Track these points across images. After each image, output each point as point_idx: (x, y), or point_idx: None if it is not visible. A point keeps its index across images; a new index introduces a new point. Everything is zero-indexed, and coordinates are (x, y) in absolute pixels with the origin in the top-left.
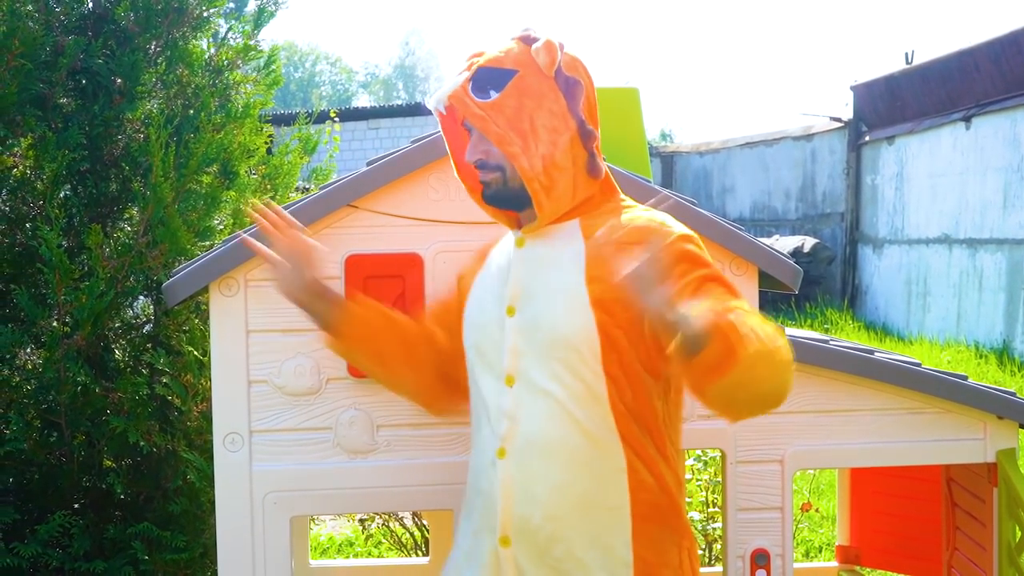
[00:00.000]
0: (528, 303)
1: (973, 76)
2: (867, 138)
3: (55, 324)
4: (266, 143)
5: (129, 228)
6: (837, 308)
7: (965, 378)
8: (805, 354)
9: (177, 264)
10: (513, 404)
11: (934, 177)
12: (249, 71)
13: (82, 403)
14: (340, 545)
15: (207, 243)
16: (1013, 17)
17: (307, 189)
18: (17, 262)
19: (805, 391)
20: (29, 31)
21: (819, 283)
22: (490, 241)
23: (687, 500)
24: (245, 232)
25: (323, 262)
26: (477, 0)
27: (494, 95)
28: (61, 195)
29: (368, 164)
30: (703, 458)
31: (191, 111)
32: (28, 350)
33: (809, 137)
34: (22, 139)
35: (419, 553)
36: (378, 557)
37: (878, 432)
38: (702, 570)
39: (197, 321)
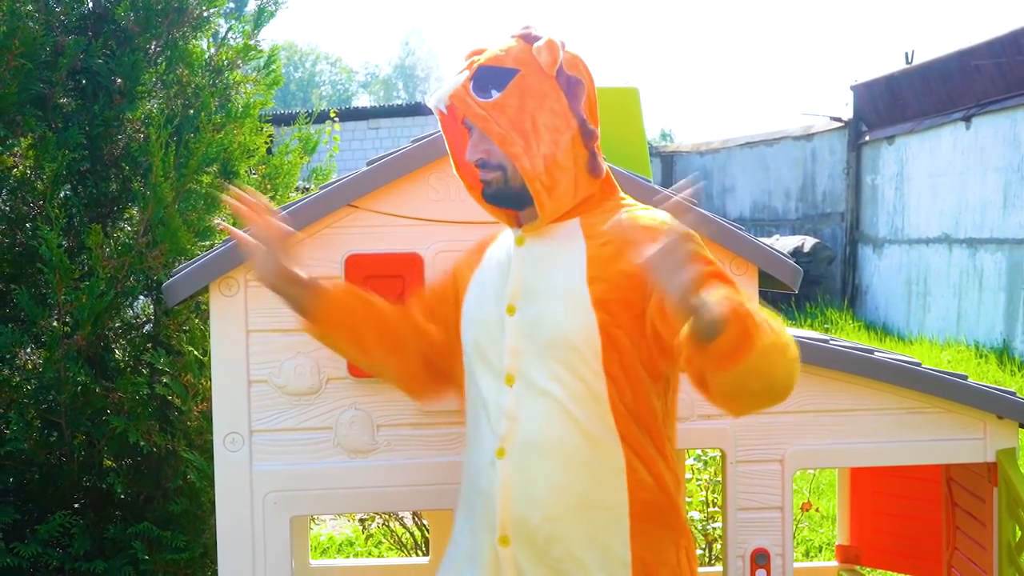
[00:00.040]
0: (529, 302)
1: (973, 76)
2: (867, 138)
3: (55, 324)
4: (266, 143)
5: (129, 228)
6: (837, 308)
7: (965, 378)
8: (805, 354)
9: (177, 264)
10: (513, 404)
11: (934, 177)
12: (249, 71)
13: (82, 403)
14: (340, 545)
15: (207, 243)
16: (1013, 17)
17: (307, 189)
18: (17, 262)
19: (805, 391)
20: (29, 31)
21: (819, 283)
22: (488, 236)
23: (687, 500)
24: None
25: (297, 247)
26: (477, 0)
27: (496, 94)
28: (61, 195)
29: (368, 164)
30: (703, 458)
31: (191, 111)
32: (28, 350)
33: (809, 137)
34: (22, 139)
35: (419, 553)
36: (378, 557)
37: (878, 432)
38: (702, 570)
39: (197, 321)
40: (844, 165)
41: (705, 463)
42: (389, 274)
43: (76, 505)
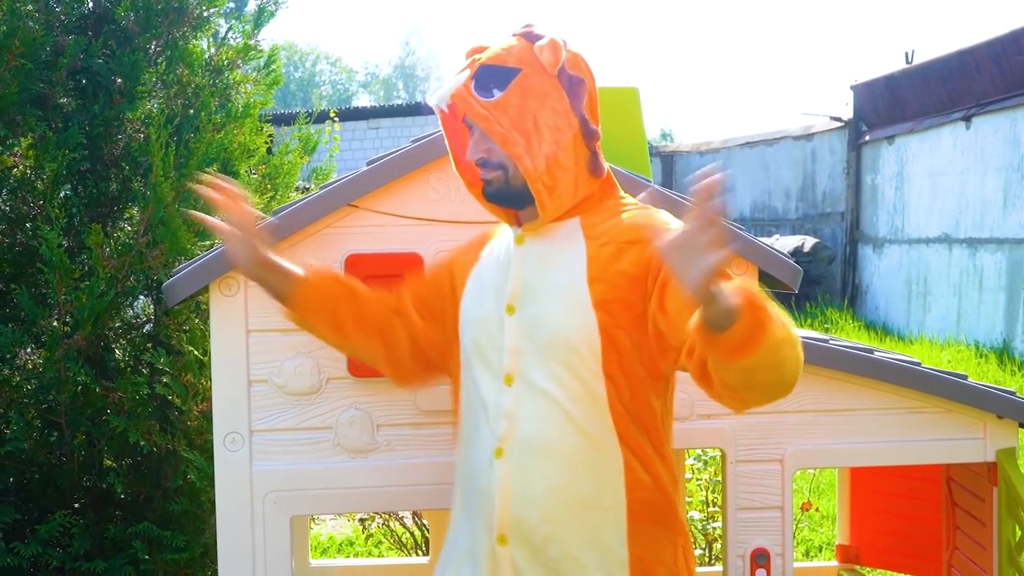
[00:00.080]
0: (528, 302)
1: (973, 76)
2: (867, 138)
3: (55, 324)
4: (266, 143)
5: (129, 228)
6: (837, 308)
7: (965, 377)
8: (805, 353)
9: (177, 264)
10: (512, 404)
11: (934, 177)
12: (249, 71)
13: (82, 403)
14: (340, 545)
15: (207, 243)
16: (1013, 17)
17: (307, 189)
18: (17, 262)
19: (805, 390)
20: (29, 31)
21: (819, 283)
22: (487, 232)
23: (687, 500)
24: None
25: (272, 235)
26: (477, 0)
27: (497, 94)
28: (61, 195)
29: (368, 164)
30: (703, 458)
31: (191, 111)
32: (28, 350)
33: (809, 137)
34: (22, 139)
35: (419, 553)
36: (378, 557)
37: (878, 431)
38: (702, 569)
39: (197, 321)
40: (844, 165)
41: (705, 463)
42: (389, 274)
43: (76, 505)
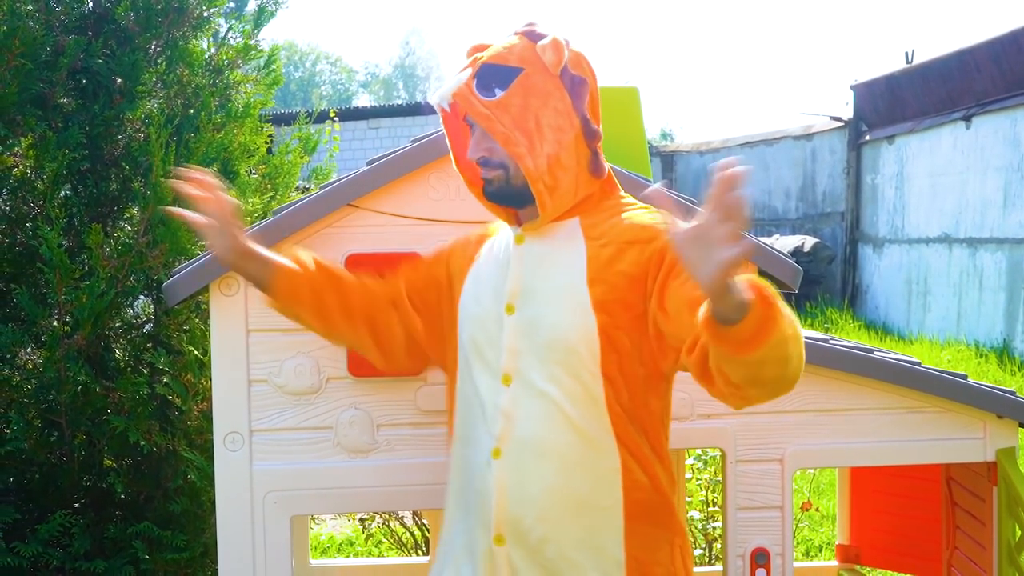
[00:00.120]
0: (528, 302)
1: (973, 75)
2: (867, 137)
3: (55, 324)
4: (266, 143)
5: (129, 228)
6: (837, 307)
7: (965, 377)
8: (806, 353)
9: (177, 263)
10: (509, 403)
11: (934, 176)
12: (249, 71)
13: (82, 403)
14: (340, 544)
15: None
16: (1013, 17)
17: (307, 189)
18: (17, 262)
19: (805, 390)
20: (29, 31)
21: (819, 282)
22: (486, 229)
23: (687, 499)
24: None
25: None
26: (477, 0)
27: (499, 93)
28: (61, 195)
29: (368, 164)
30: (703, 457)
31: (191, 111)
32: (28, 350)
33: (809, 136)
34: (22, 139)
35: (419, 552)
36: (378, 556)
37: (878, 431)
38: (702, 569)
39: (197, 320)
40: (844, 165)
41: (705, 463)
42: None
43: (76, 505)
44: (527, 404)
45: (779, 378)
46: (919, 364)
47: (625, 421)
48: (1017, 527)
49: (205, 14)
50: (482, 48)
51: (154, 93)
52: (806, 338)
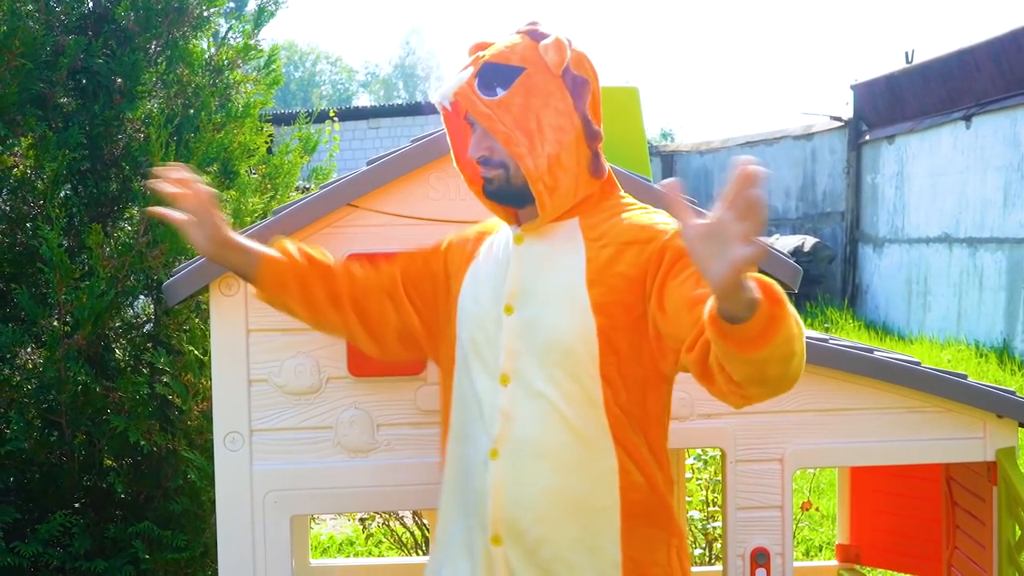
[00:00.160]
0: (527, 303)
1: (973, 75)
2: (867, 137)
3: (56, 324)
4: (266, 143)
5: (129, 227)
6: (837, 307)
7: (965, 377)
8: (806, 353)
9: (177, 263)
10: (507, 404)
11: (934, 176)
12: (249, 71)
13: (83, 402)
14: (340, 544)
15: None
16: (1013, 17)
17: (307, 189)
18: (18, 262)
19: (805, 390)
20: (29, 31)
21: (819, 282)
22: (486, 227)
23: (687, 499)
24: (244, 232)
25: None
26: (477, 0)
27: (501, 93)
28: (61, 195)
29: (368, 164)
30: (703, 457)
31: (191, 111)
32: (29, 349)
33: (809, 136)
34: (22, 139)
35: (419, 552)
36: (378, 556)
37: (878, 431)
38: (703, 569)
39: (197, 320)
40: (844, 164)
41: (705, 463)
42: None
43: (76, 504)
44: (525, 405)
45: (781, 376)
46: (919, 364)
47: (623, 422)
48: (1017, 527)
49: (205, 14)
50: (484, 47)
51: (154, 93)
52: (806, 338)
